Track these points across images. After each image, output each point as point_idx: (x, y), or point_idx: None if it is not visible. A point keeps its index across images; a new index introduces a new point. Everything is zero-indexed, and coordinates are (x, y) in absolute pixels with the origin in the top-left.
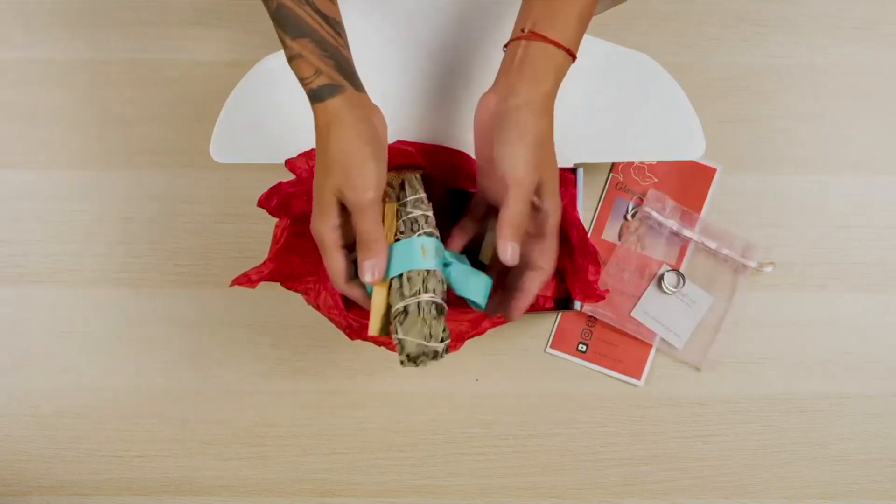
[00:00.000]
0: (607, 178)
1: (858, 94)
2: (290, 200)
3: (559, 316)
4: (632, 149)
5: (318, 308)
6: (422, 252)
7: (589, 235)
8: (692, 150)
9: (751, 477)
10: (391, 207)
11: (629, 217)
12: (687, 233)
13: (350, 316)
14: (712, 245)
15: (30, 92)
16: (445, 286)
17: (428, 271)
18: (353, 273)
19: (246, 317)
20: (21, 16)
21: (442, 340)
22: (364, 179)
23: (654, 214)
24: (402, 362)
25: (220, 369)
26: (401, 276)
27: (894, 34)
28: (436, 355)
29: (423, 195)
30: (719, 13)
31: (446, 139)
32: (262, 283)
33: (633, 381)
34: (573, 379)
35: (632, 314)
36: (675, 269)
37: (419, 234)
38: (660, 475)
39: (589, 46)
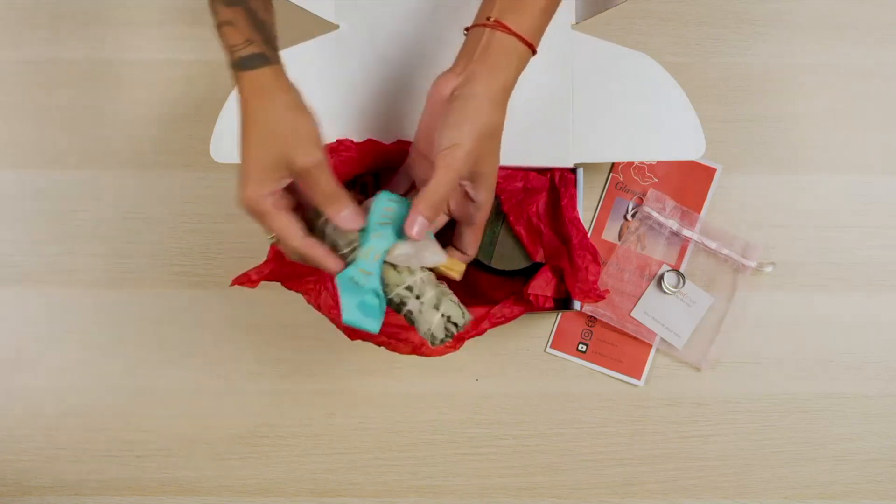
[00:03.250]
0: (607, 178)
1: (859, 94)
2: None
3: (559, 316)
4: (632, 149)
5: (318, 308)
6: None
7: (589, 235)
8: (692, 150)
9: (750, 477)
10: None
11: (629, 217)
12: (687, 233)
13: None
14: (712, 245)
15: (29, 92)
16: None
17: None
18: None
19: (246, 317)
20: (22, 16)
21: (463, 316)
22: (312, 142)
23: (654, 214)
24: (432, 343)
25: (220, 369)
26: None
27: (894, 34)
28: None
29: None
30: (719, 13)
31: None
32: (262, 284)
33: (633, 381)
34: (573, 379)
35: (632, 314)
36: (675, 269)
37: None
38: (660, 475)
39: (589, 46)
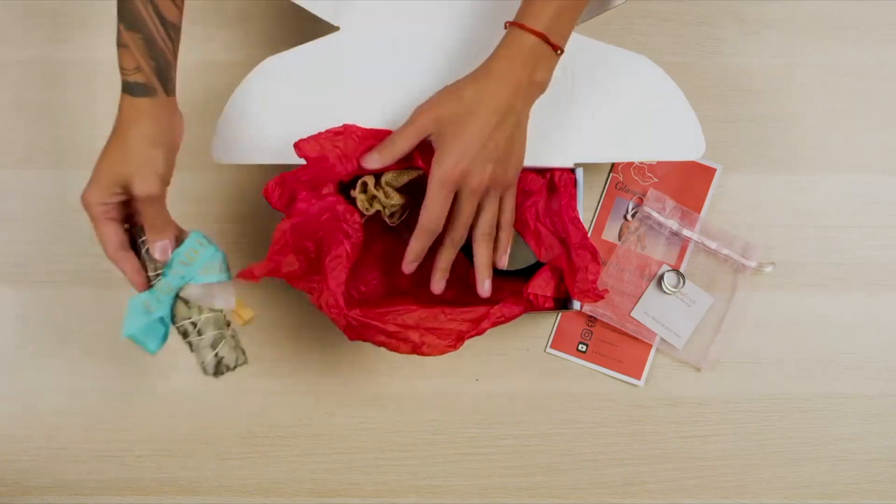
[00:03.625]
0: (607, 178)
1: (858, 94)
2: (296, 192)
3: (559, 316)
4: (632, 149)
5: (320, 307)
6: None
7: (589, 235)
8: (692, 150)
9: (750, 477)
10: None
11: (629, 217)
12: (687, 233)
13: (350, 315)
14: (712, 245)
15: (29, 92)
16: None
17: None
18: (130, 246)
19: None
20: (21, 16)
21: (237, 360)
22: (155, 176)
23: (654, 214)
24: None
25: None
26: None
27: (894, 34)
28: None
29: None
30: (719, 13)
31: None
32: (263, 284)
33: (633, 381)
34: (573, 379)
35: (632, 314)
36: (675, 269)
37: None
38: (660, 475)
39: (588, 48)
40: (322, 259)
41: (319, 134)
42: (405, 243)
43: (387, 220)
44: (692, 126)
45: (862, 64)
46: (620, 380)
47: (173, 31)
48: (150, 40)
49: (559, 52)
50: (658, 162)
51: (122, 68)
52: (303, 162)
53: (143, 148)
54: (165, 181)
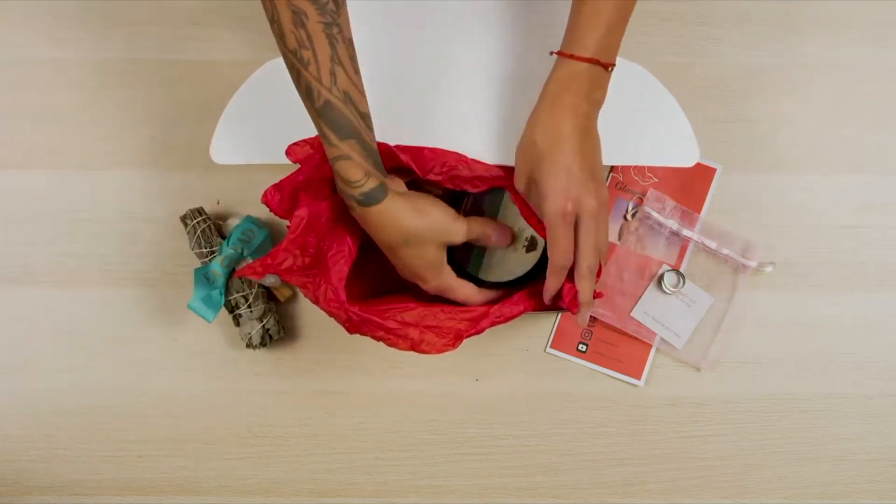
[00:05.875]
0: (607, 179)
1: (858, 94)
2: (298, 193)
3: (559, 316)
4: (626, 155)
5: (316, 301)
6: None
7: None
8: (686, 158)
9: (751, 477)
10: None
11: (629, 217)
12: (687, 233)
13: (351, 309)
14: (712, 245)
15: (29, 92)
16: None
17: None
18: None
19: None
20: (21, 16)
21: (279, 332)
22: (454, 223)
23: (654, 214)
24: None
25: (220, 369)
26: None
27: (894, 34)
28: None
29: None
30: (719, 13)
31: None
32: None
33: (633, 381)
34: (573, 379)
35: (632, 314)
36: (675, 269)
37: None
38: (660, 475)
39: None
40: (324, 254)
41: (311, 139)
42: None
43: None
44: (686, 134)
45: (862, 64)
46: (620, 380)
47: (370, 121)
48: (363, 142)
49: (610, 68)
50: None
51: (350, 182)
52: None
53: (426, 226)
54: (461, 222)
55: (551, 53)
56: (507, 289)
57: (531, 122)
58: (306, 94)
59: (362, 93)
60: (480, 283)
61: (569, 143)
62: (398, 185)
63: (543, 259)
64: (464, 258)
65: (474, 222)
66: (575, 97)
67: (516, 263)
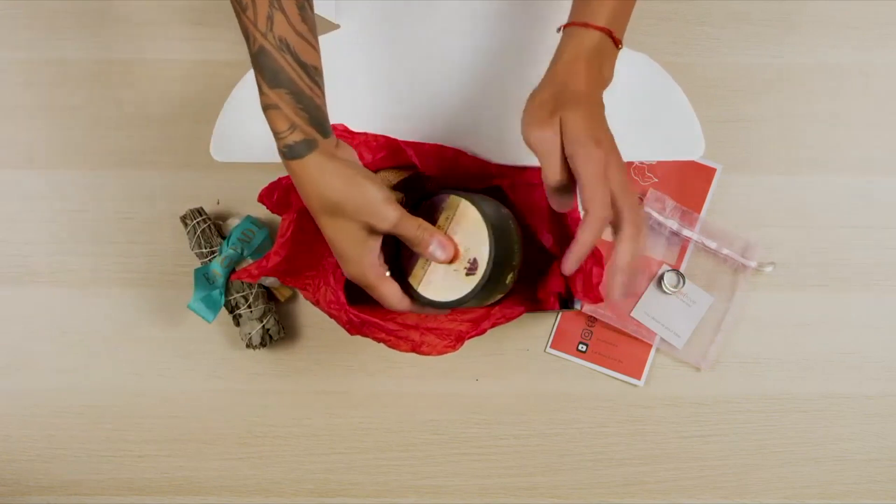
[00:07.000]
0: None
1: (858, 93)
2: (290, 194)
3: (559, 316)
4: (632, 149)
5: (316, 303)
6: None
7: None
8: (692, 150)
9: (750, 477)
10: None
11: None
12: (687, 233)
13: (351, 311)
14: (712, 245)
15: (29, 92)
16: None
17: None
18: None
19: None
20: (21, 17)
21: (279, 333)
22: (383, 205)
23: (654, 214)
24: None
25: (220, 369)
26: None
27: (894, 34)
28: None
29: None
30: (719, 13)
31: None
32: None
33: (633, 381)
34: (573, 379)
35: (632, 314)
36: (675, 269)
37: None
38: (660, 475)
39: None
40: (324, 255)
41: (279, 181)
42: (402, 242)
43: None
44: (692, 126)
45: (862, 64)
46: (620, 380)
47: (316, 74)
48: (297, 93)
49: (620, 47)
50: (658, 162)
51: (276, 132)
52: None
53: (348, 195)
54: (391, 200)
55: (560, 29)
56: (438, 309)
57: (549, 75)
58: (245, 39)
59: (310, 43)
60: (414, 296)
61: (595, 95)
62: (344, 151)
63: (483, 288)
64: (408, 266)
65: (412, 220)
66: (590, 70)
67: (453, 285)
